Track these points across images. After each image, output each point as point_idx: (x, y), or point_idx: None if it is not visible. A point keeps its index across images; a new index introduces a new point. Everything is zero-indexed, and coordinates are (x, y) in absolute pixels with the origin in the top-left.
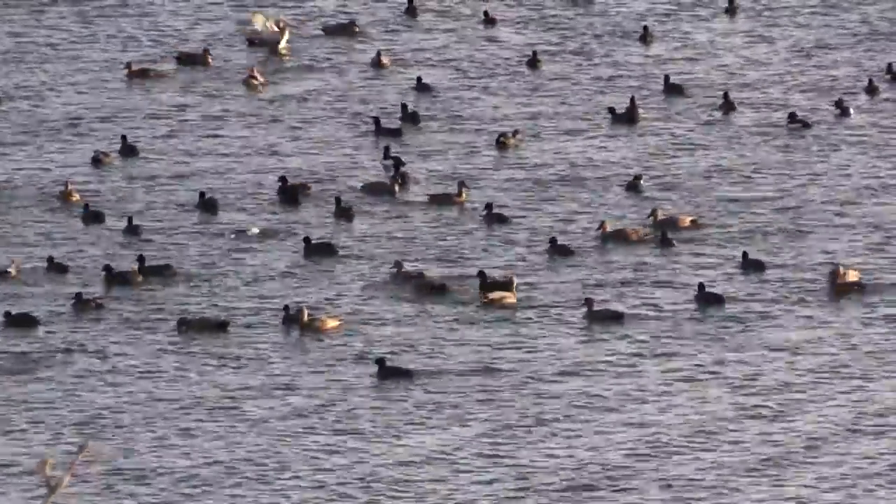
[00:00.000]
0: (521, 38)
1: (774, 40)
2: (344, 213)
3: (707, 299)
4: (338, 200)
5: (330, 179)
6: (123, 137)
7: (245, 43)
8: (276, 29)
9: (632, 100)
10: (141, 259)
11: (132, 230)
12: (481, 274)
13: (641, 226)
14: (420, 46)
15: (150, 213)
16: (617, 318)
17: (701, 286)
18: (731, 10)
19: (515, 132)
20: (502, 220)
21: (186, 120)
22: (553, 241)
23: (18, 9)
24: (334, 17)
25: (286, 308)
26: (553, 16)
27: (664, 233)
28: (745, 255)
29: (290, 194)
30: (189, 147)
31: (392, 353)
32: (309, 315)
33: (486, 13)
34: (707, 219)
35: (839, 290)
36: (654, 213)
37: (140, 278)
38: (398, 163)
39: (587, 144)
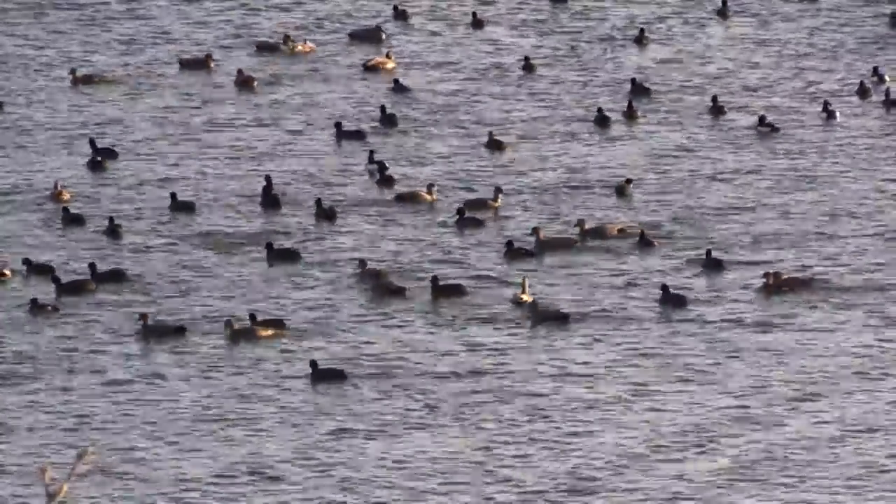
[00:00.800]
0: (510, 40)
1: (766, 43)
2: (325, 214)
3: (671, 301)
4: (319, 202)
5: (318, 184)
6: (91, 141)
7: (254, 47)
8: (300, 46)
9: (629, 103)
10: (92, 266)
11: (113, 232)
12: (434, 280)
13: (576, 233)
14: (416, 50)
15: (135, 217)
16: (562, 318)
17: (664, 287)
18: (723, 13)
19: (491, 133)
20: (476, 223)
21: (180, 123)
22: (509, 244)
23: (20, 12)
24: (332, 22)
25: (251, 317)
26: (543, 18)
27: (643, 233)
28: (708, 253)
29: (272, 198)
30: (179, 150)
31: (338, 355)
32: (240, 324)
33: (474, 15)
34: (686, 222)
35: (770, 290)
36: (580, 222)
37: (93, 286)
38: (382, 167)
39: (578, 147)
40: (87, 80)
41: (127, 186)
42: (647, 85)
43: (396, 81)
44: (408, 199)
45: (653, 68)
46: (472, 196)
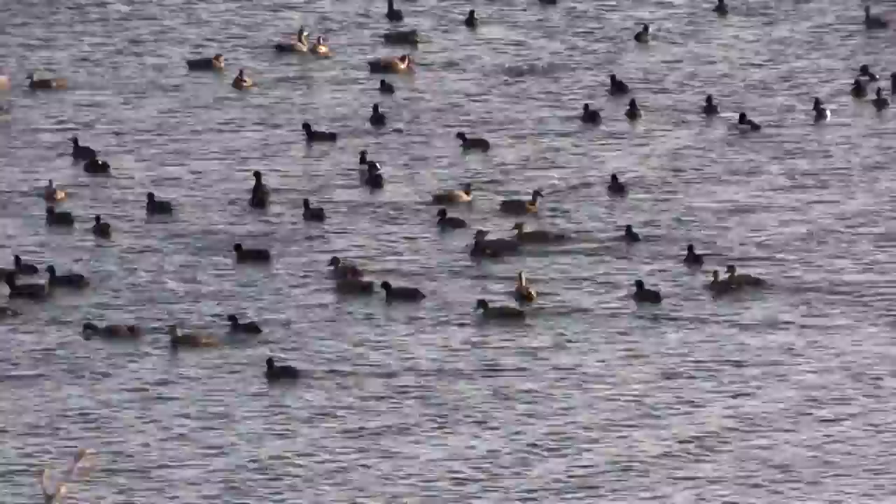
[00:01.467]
0: (507, 39)
1: (764, 41)
2: (313, 214)
3: (645, 297)
4: (306, 203)
5: (307, 184)
6: (74, 140)
7: (274, 48)
8: (314, 45)
9: (632, 102)
10: (51, 270)
11: (101, 231)
12: (385, 285)
13: (512, 237)
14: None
15: (119, 217)
16: (516, 315)
17: (639, 283)
18: (720, 9)
19: (462, 134)
20: (457, 224)
21: (175, 124)
22: (477, 244)
23: (29, 10)
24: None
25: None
26: (540, 17)
27: (629, 228)
28: (690, 248)
29: (260, 198)
30: (171, 151)
31: (299, 353)
32: (182, 330)
33: (471, 14)
34: (675, 219)
35: (717, 288)
36: (519, 226)
37: (47, 290)
38: (372, 168)
39: (568, 146)
40: (44, 84)
41: (117, 186)
42: (625, 82)
43: (383, 83)
44: (445, 199)
45: (648, 66)
46: (509, 198)
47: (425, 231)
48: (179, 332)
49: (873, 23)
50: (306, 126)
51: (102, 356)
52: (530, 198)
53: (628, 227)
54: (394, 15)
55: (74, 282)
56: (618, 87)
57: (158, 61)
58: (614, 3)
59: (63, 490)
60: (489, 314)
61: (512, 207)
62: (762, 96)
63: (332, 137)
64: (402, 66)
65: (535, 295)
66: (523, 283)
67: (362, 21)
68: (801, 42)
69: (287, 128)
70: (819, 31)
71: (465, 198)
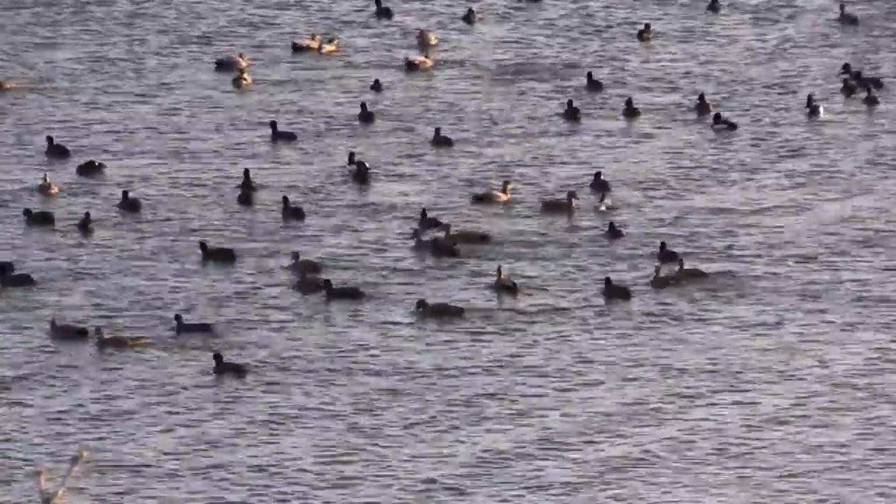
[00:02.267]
0: (500, 37)
1: (756, 38)
2: (294, 213)
3: (614, 293)
4: (286, 200)
5: (293, 183)
6: (49, 139)
7: (290, 48)
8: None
9: (628, 101)
10: (2, 270)
11: (84, 227)
12: (327, 283)
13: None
14: (399, 45)
15: (99, 216)
16: (456, 313)
17: (608, 280)
18: (714, 7)
19: (438, 130)
20: (436, 223)
21: (174, 124)
22: (435, 241)
23: (30, 9)
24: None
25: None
26: (535, 15)
27: (612, 224)
28: (662, 245)
29: (245, 195)
30: (167, 151)
31: (246, 351)
32: (111, 333)
33: (470, 10)
34: (662, 217)
35: (657, 283)
36: (446, 228)
37: None
38: (362, 167)
39: (560, 144)
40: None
41: (106, 185)
42: (600, 80)
43: (377, 81)
44: (484, 199)
45: (650, 64)
46: (548, 198)
47: (404, 230)
48: (106, 335)
49: (846, 19)
50: (273, 125)
51: (59, 357)
52: (566, 198)
53: (611, 224)
54: (382, 13)
55: (25, 282)
56: (594, 86)
57: (159, 60)
58: (612, 1)
59: (61, 493)
60: (426, 312)
61: (552, 208)
62: (754, 94)
63: (292, 137)
64: (429, 63)
65: (518, 287)
66: (503, 276)
67: (355, 20)
68: (792, 40)
69: (281, 126)
70: (809, 29)
71: (504, 197)
